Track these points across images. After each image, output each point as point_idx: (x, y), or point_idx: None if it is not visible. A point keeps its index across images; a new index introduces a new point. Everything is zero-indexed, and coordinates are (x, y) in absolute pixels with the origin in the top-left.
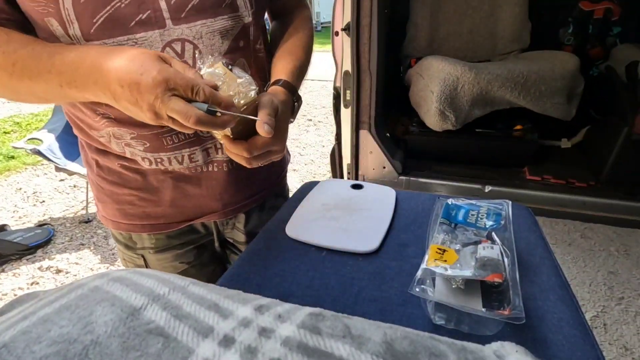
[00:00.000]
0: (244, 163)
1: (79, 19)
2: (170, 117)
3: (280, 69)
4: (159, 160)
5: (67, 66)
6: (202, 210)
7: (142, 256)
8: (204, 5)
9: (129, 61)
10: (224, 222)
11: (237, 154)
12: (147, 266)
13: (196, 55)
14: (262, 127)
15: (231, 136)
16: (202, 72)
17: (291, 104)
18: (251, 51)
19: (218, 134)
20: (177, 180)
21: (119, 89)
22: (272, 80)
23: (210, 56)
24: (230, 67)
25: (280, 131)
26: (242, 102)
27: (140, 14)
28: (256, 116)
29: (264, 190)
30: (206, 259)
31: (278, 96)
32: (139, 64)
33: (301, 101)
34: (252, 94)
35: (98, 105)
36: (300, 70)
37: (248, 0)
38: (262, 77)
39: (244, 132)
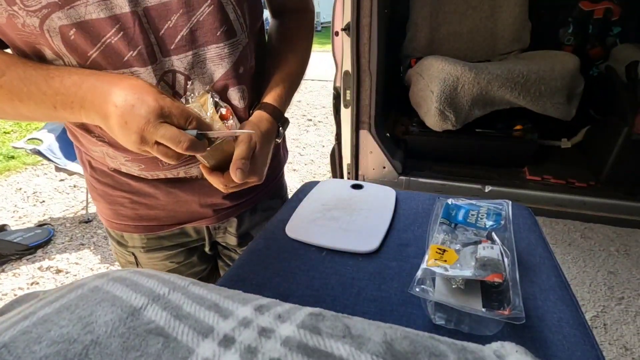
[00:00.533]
0: (221, 189)
1: (72, 54)
2: (156, 144)
3: (270, 89)
4: (155, 175)
5: (66, 89)
6: (194, 215)
7: (133, 254)
8: (194, 36)
9: (128, 86)
10: (216, 226)
11: (214, 184)
12: (137, 263)
13: (188, 85)
14: (235, 172)
15: (208, 166)
16: (191, 104)
17: (275, 131)
18: (249, 74)
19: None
20: (171, 187)
21: (112, 109)
22: (262, 100)
23: (199, 90)
24: (217, 104)
25: (257, 165)
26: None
27: (130, 50)
28: (233, 152)
29: (257, 193)
30: (196, 259)
31: (261, 126)
32: (138, 90)
33: (288, 123)
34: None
35: (93, 127)
36: (291, 89)
37: (243, 22)
38: (257, 92)
39: (221, 164)
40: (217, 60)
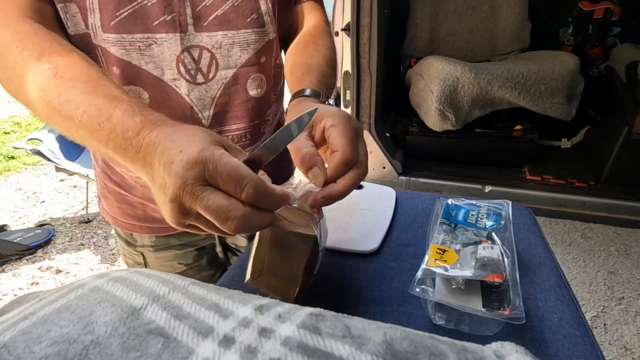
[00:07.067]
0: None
1: (102, 9)
2: (199, 215)
3: (299, 80)
4: None
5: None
6: None
7: (142, 254)
8: (227, 18)
9: (184, 135)
10: None
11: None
12: (145, 264)
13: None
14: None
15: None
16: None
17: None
18: (272, 67)
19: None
20: None
21: (156, 167)
22: (293, 93)
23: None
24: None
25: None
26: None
27: (165, 15)
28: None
29: None
30: (205, 262)
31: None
32: (187, 139)
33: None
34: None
35: None
36: (326, 79)
37: (274, 16)
38: (279, 94)
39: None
40: (244, 45)
